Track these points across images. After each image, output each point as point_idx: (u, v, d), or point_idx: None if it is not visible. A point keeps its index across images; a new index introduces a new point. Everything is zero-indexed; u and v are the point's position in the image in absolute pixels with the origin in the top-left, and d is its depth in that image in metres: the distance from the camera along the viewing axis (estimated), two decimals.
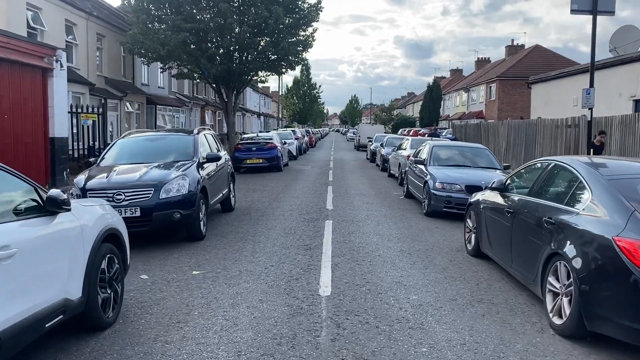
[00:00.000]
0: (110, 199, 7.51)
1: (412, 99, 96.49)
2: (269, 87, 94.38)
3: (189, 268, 6.75)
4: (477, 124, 24.69)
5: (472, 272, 6.70)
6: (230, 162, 11.54)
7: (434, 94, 52.57)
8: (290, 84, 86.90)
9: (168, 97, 32.23)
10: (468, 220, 7.77)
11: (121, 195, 7.57)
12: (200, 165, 8.92)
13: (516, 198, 6.07)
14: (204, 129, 10.93)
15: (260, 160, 20.73)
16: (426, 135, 35.01)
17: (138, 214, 7.56)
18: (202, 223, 8.40)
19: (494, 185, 6.75)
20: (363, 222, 9.99)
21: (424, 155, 12.50)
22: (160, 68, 24.71)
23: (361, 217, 10.59)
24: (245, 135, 23.82)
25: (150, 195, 7.65)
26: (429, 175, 11.12)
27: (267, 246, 7.95)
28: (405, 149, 17.33)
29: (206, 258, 7.24)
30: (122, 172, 8.23)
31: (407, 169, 14.02)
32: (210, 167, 9.40)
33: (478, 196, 7.59)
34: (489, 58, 64.42)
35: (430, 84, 54.66)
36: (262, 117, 69.37)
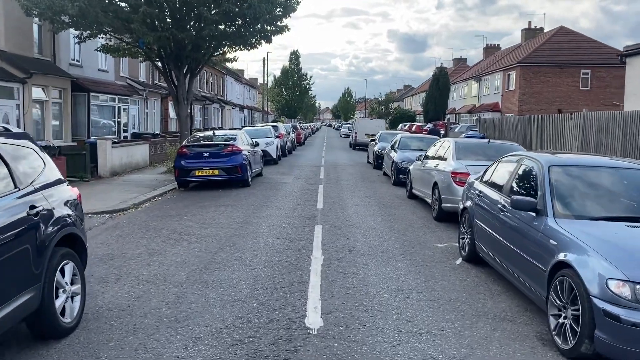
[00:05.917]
0: None
1: (410, 91, 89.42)
2: (256, 79, 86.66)
3: None
4: (526, 118, 17.77)
5: None
6: (63, 209, 4.57)
7: (441, 84, 45.51)
8: (278, 75, 79.35)
9: (113, 83, 24.97)
10: None
11: None
12: None
13: None
14: None
15: (216, 172, 13.76)
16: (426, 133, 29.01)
17: None
18: None
19: None
20: None
21: (525, 183, 5.61)
22: (76, 37, 17.50)
23: None
24: (198, 134, 16.61)
25: None
26: (574, 247, 4.23)
27: None
28: (445, 159, 10.36)
29: None
30: None
31: (468, 204, 7.13)
32: None
33: None
34: (499, 45, 57.73)
35: (436, 72, 47.59)
36: (245, 111, 62.06)
